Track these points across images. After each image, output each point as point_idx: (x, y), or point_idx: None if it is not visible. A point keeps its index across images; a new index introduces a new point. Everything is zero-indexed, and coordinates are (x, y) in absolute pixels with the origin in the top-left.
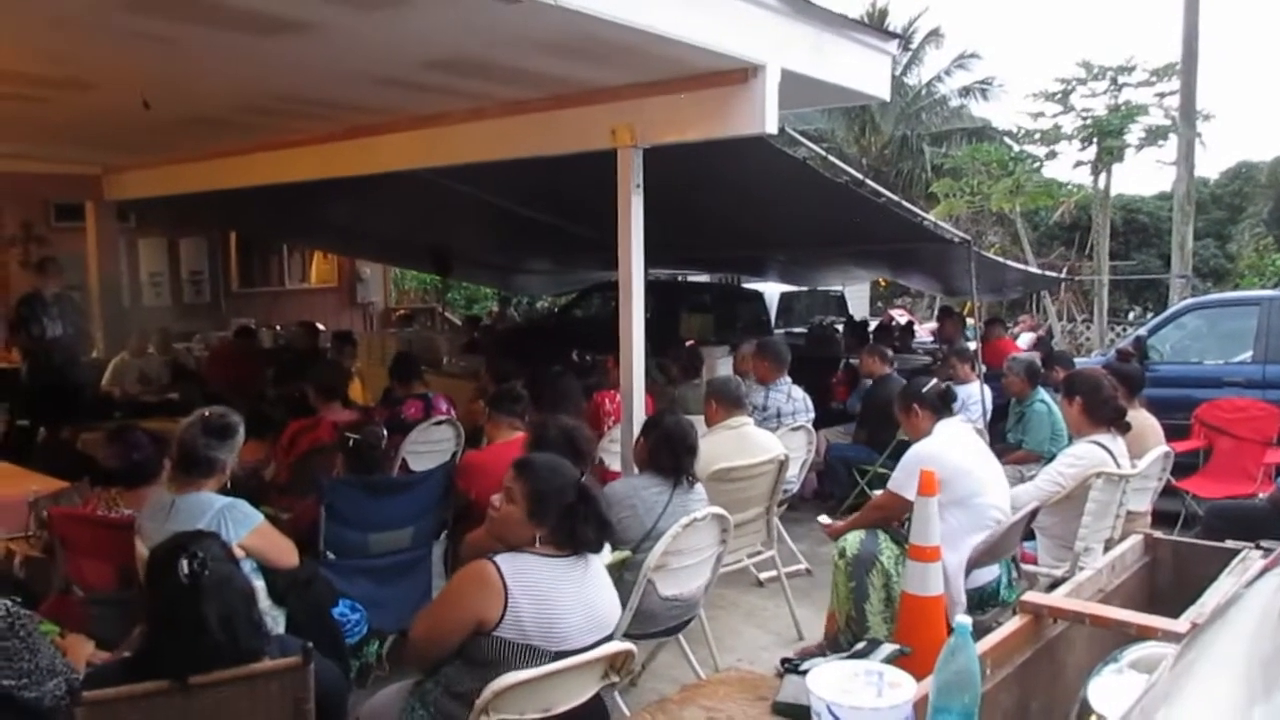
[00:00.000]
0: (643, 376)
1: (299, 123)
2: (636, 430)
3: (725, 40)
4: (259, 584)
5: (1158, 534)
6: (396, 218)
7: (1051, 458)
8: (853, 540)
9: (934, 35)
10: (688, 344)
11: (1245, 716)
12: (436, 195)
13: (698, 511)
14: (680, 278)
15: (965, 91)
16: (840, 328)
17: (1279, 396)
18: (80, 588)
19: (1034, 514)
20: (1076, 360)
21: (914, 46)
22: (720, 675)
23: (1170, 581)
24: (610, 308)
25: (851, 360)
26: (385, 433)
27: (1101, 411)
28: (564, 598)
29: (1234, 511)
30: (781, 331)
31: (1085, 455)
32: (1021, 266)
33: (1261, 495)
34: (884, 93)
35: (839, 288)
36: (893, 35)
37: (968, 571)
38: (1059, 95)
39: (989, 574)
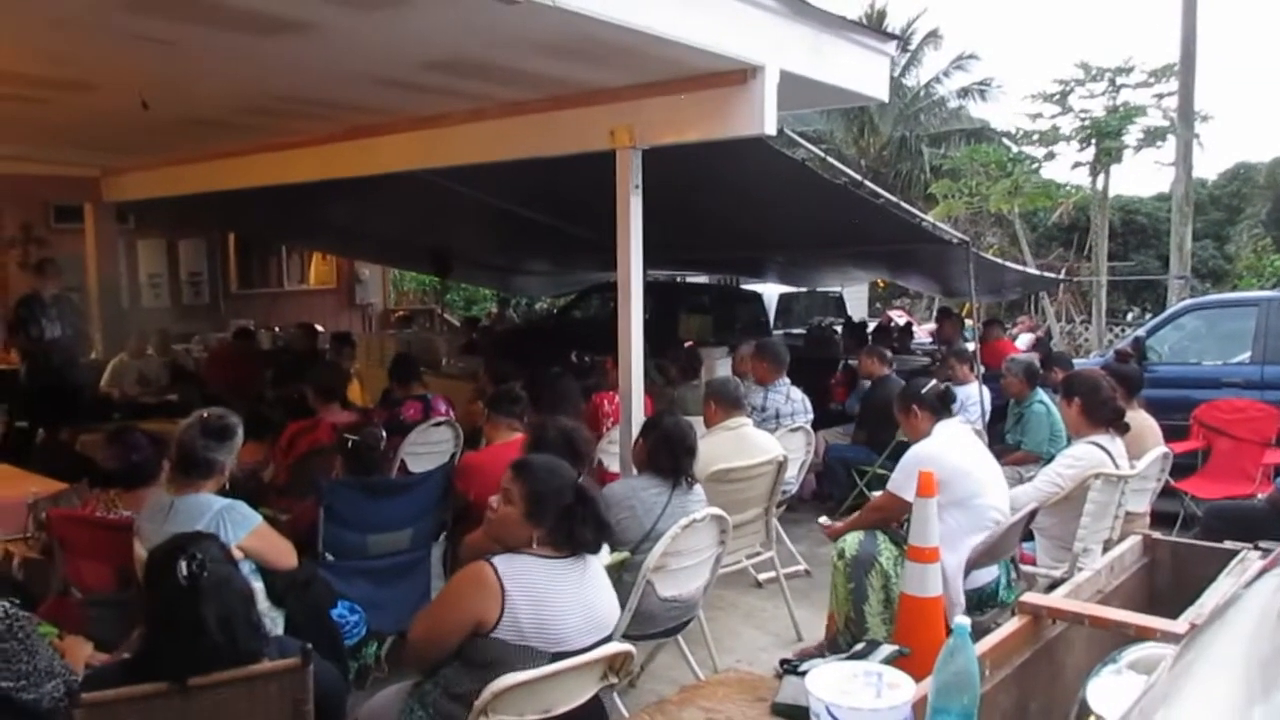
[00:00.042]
0: (641, 378)
1: (298, 124)
2: (635, 431)
3: (724, 41)
4: (258, 585)
5: (1156, 535)
6: (396, 219)
7: (1050, 459)
8: (851, 541)
9: (932, 36)
10: (686, 345)
11: (1244, 717)
12: (436, 196)
13: (697, 512)
14: (679, 279)
15: (964, 92)
16: (839, 329)
17: (1277, 397)
18: (79, 589)
19: (1033, 515)
20: (1075, 361)
21: (912, 47)
22: (719, 676)
23: (1169, 582)
24: (609, 309)
25: (850, 361)
26: (384, 434)
27: (1100, 412)
28: (562, 599)
29: (1232, 512)
30: (780, 332)
31: (1084, 456)
32: (1020, 267)
33: (1260, 496)
34: (882, 94)
35: (838, 289)
36: (891, 36)
37: (966, 572)
38: (1057, 96)
39: (988, 575)
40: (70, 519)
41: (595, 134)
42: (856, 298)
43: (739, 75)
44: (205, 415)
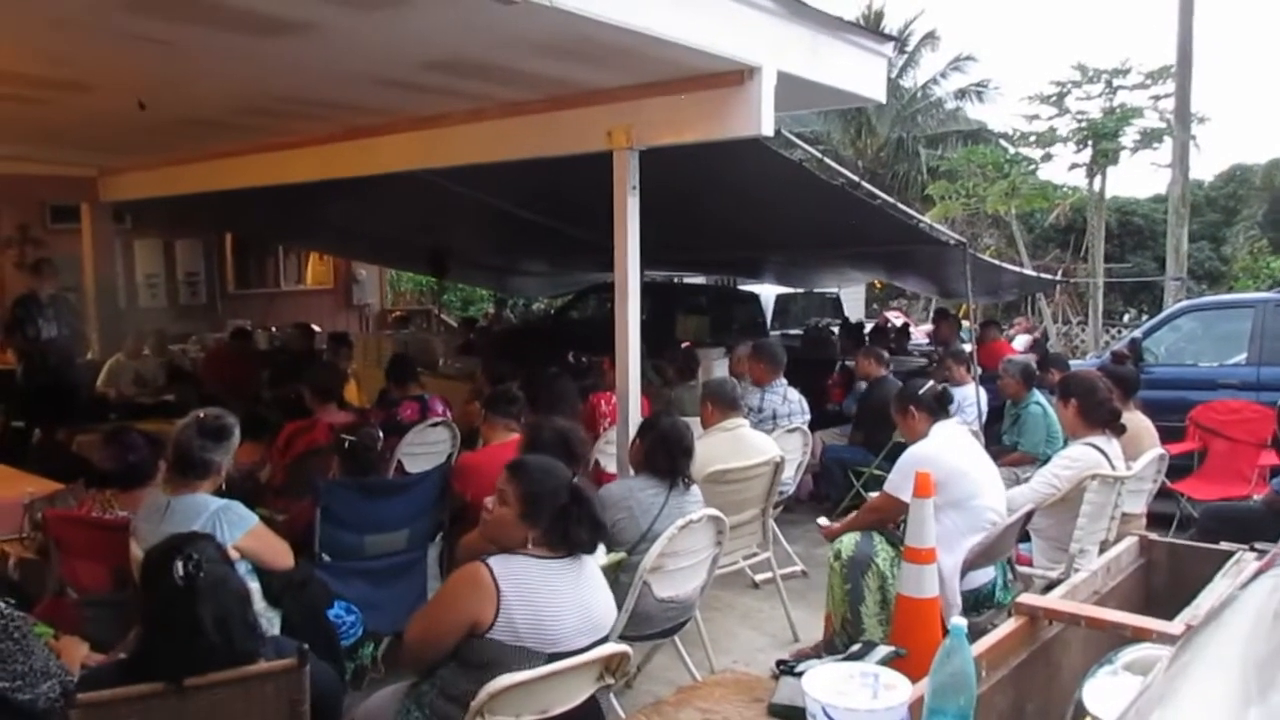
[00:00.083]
0: (638, 378)
1: (297, 124)
2: (632, 432)
3: (721, 42)
4: (254, 586)
5: (1153, 536)
6: (393, 219)
7: (1047, 460)
8: (848, 542)
9: (930, 38)
10: (684, 346)
11: (1240, 718)
12: (434, 196)
13: (693, 513)
14: (676, 279)
15: (961, 94)
16: (836, 330)
17: (1273, 398)
18: (75, 590)
19: (1029, 516)
20: (1072, 362)
21: (910, 49)
22: (716, 677)
23: (1165, 583)
24: (606, 309)
25: (847, 362)
26: (381, 434)
27: (1097, 413)
28: (557, 599)
29: (1229, 513)
30: (777, 333)
31: (1080, 457)
32: (1017, 269)
33: (1256, 497)
34: (880, 95)
35: (835, 290)
36: (888, 37)
37: (963, 573)
38: (1054, 98)
39: (984, 576)
40: (66, 519)
41: (593, 135)
42: (854, 299)
43: (736, 76)
44: (202, 415)
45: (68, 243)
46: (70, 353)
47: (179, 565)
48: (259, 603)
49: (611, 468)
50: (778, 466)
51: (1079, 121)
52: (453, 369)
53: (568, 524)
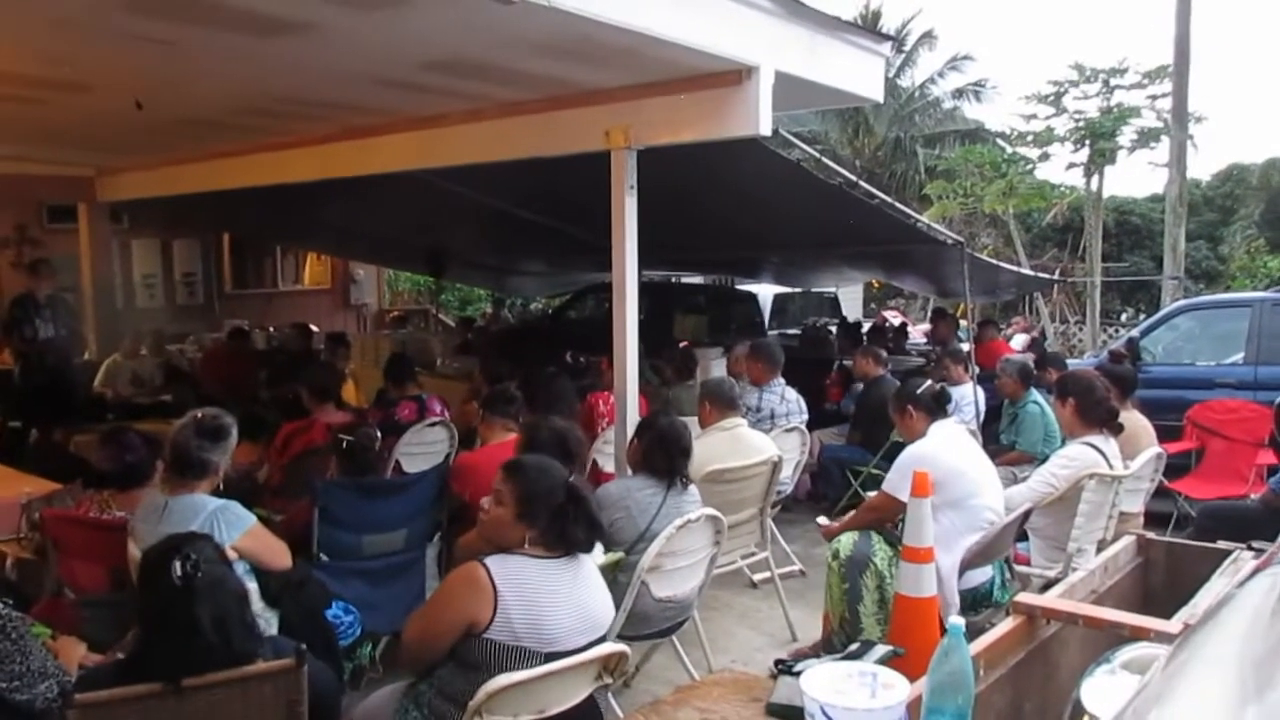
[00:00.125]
0: (636, 378)
1: (296, 124)
2: (630, 432)
3: (719, 42)
4: (252, 586)
5: (1150, 535)
6: (392, 219)
7: (1044, 459)
8: (846, 542)
9: (927, 37)
10: (681, 345)
11: (1238, 717)
12: (432, 196)
13: (692, 513)
14: (674, 279)
15: (958, 93)
16: (834, 329)
17: (1270, 397)
18: (72, 590)
19: (1027, 515)
20: (1069, 362)
21: (907, 49)
22: (714, 676)
23: (1163, 582)
24: (604, 309)
25: (845, 362)
26: (379, 434)
27: (1094, 413)
28: (554, 599)
29: (1226, 512)
30: (775, 333)
31: (1078, 456)
32: (1014, 268)
33: (1253, 496)
34: (877, 94)
35: (832, 289)
36: (886, 37)
37: (961, 572)
38: (1051, 97)
39: (982, 575)
40: (64, 519)
41: (591, 134)
42: (851, 298)
43: (734, 76)
44: (200, 416)
45: (65, 243)
46: (67, 353)
47: (177, 565)
48: (257, 603)
49: (609, 467)
50: (776, 466)
51: (1076, 121)
52: (450, 369)
53: (565, 523)
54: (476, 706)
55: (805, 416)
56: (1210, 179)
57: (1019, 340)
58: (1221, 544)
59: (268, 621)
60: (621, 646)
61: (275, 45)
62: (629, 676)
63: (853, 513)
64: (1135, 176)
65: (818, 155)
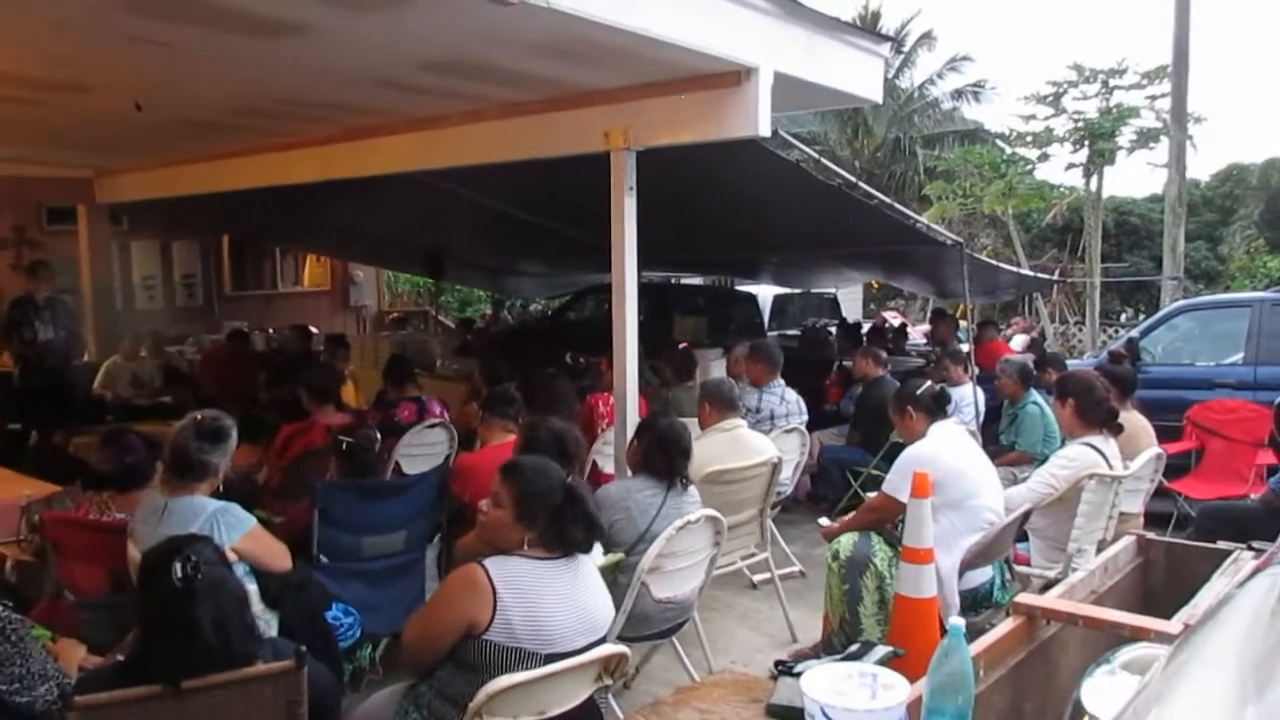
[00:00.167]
0: (636, 379)
1: (295, 125)
2: (630, 433)
3: (718, 43)
4: (252, 588)
5: (1150, 535)
6: (391, 220)
7: (1044, 459)
8: (846, 542)
9: (926, 38)
10: (681, 346)
11: (1237, 717)
12: (431, 198)
13: (691, 514)
14: (674, 280)
15: (957, 94)
16: (833, 330)
17: (1270, 397)
18: (72, 592)
19: (1027, 515)
20: (1069, 362)
21: (906, 49)
22: (714, 677)
23: (1163, 582)
24: (604, 310)
25: (844, 362)
26: (378, 436)
27: (1094, 413)
28: (553, 600)
29: (1226, 512)
30: (775, 334)
31: (1078, 457)
32: (1014, 269)
33: (1253, 496)
34: (876, 95)
35: (832, 290)
36: (885, 38)
37: (961, 573)
38: (1051, 98)
39: (982, 575)
40: (64, 521)
41: (590, 135)
42: (851, 299)
43: (733, 77)
44: (199, 417)
45: (64, 244)
46: (67, 355)
47: (177, 567)
48: (257, 605)
49: (609, 468)
50: (775, 467)
51: (1075, 121)
52: (450, 370)
53: (563, 524)
54: (476, 708)
55: (805, 417)
56: (1209, 179)
57: (1018, 341)
58: (1221, 544)
59: (267, 623)
60: (621, 648)
61: (274, 46)
62: (629, 678)
63: (853, 513)
64: (1134, 177)
65: (817, 156)
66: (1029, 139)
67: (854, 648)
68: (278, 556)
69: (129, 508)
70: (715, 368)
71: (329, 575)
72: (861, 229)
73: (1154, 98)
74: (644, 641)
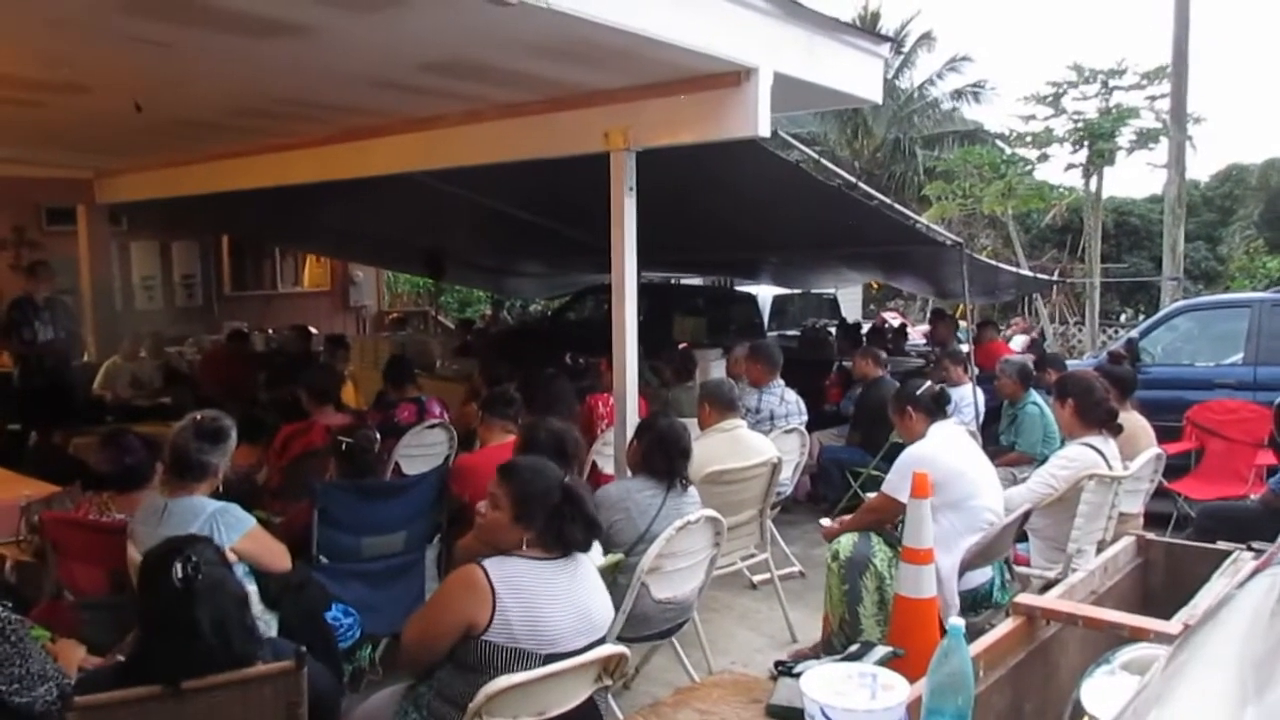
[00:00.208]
0: (636, 379)
1: (295, 125)
2: (630, 433)
3: (717, 43)
4: (252, 588)
5: (1150, 535)
6: (391, 221)
7: (1044, 460)
8: (846, 543)
9: (926, 38)
10: (681, 347)
11: (1237, 717)
12: (431, 198)
13: (691, 514)
14: (673, 280)
15: (957, 94)
16: (833, 330)
17: (1270, 398)
18: (72, 592)
19: (1027, 516)
20: (1069, 362)
21: (906, 50)
22: (714, 678)
23: (1163, 583)
24: (604, 311)
25: (844, 363)
26: (378, 436)
27: (1093, 413)
28: (552, 600)
29: (1225, 513)
30: (774, 334)
31: (1077, 457)
32: (1013, 269)
33: (1253, 496)
34: (876, 96)
35: (832, 290)
36: (885, 38)
37: (961, 573)
38: (1050, 98)
39: (982, 576)
40: (63, 522)
41: (589, 136)
42: (850, 299)
43: (733, 77)
44: (199, 418)
45: (64, 245)
46: (66, 355)
47: (178, 568)
48: (257, 605)
49: (609, 469)
50: (775, 467)
51: (1075, 122)
52: (450, 370)
53: (562, 524)
54: (476, 708)
55: (805, 418)
56: (1209, 180)
57: (1018, 341)
58: (1221, 544)
59: (267, 624)
60: (621, 648)
61: (273, 47)
62: (629, 678)
63: (853, 514)
64: (1134, 177)
65: (816, 156)
66: (1028, 139)
67: (854, 648)
68: (277, 557)
69: (128, 508)
70: (715, 368)
71: (328, 576)
72: (861, 229)
73: (1153, 98)
74: (644, 642)
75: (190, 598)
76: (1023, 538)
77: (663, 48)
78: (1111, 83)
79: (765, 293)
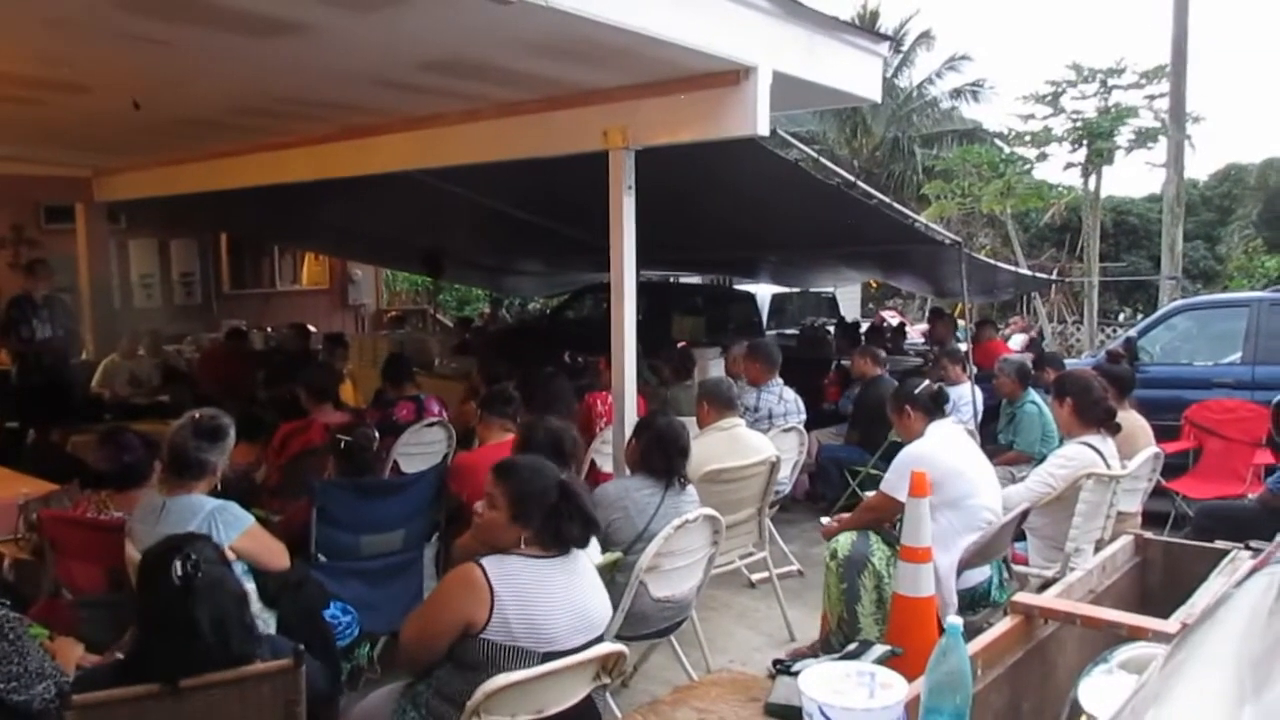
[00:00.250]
0: (634, 378)
1: (294, 124)
2: (628, 432)
3: (717, 42)
4: (250, 586)
5: (1148, 534)
6: (390, 219)
7: (1042, 459)
8: (844, 542)
9: (925, 37)
10: (679, 345)
11: (1235, 716)
12: (430, 197)
13: (690, 513)
14: (672, 279)
15: (956, 93)
16: (832, 329)
17: (1268, 397)
18: (70, 590)
19: (1025, 515)
20: (1067, 361)
21: (905, 49)
22: (712, 676)
23: (1161, 582)
24: (602, 309)
25: (843, 361)
26: (377, 434)
27: (1092, 413)
28: (550, 599)
29: (1223, 512)
30: (773, 333)
31: (1076, 456)
32: (1012, 268)
33: (1251, 495)
34: (875, 95)
35: (830, 289)
36: (884, 37)
37: (959, 572)
38: (1049, 97)
39: (980, 575)
40: (61, 520)
41: (589, 134)
42: (849, 298)
43: (732, 76)
44: (197, 416)
45: (62, 243)
46: (65, 353)
47: (177, 566)
48: (255, 603)
49: (607, 467)
50: (774, 466)
51: (1074, 121)
52: (448, 369)
53: (559, 522)
54: (474, 706)
55: (803, 416)
56: (1208, 179)
57: (1017, 340)
58: (1219, 543)
59: (265, 622)
60: (619, 646)
61: (272, 45)
62: (627, 676)
63: (851, 512)
64: (1133, 176)
65: (815, 155)
66: (1027, 138)
67: (852, 647)
68: (276, 555)
69: (127, 506)
70: (713, 367)
71: (327, 574)
72: (860, 228)
73: (1152, 97)
74: (642, 640)
75: (189, 596)
76: (1021, 536)
77: (663, 46)
78: (1110, 82)
79: (764, 291)
